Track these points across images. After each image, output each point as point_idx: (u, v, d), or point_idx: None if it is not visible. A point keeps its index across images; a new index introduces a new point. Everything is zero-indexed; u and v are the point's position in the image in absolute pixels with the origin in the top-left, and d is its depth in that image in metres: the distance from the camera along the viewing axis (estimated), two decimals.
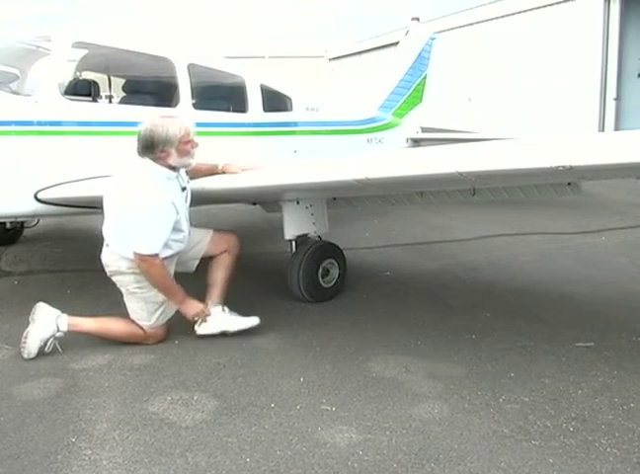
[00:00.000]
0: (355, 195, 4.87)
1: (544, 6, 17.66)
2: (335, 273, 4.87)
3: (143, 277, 3.85)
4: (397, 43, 10.51)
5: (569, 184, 3.97)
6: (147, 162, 3.84)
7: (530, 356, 3.76)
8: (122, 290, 3.99)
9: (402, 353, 3.83)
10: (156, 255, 3.75)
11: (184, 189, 4.02)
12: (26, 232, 6.83)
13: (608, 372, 3.52)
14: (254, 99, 6.09)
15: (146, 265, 3.76)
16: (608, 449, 2.77)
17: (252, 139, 6.09)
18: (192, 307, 3.96)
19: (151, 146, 3.80)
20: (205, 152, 4.11)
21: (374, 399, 3.26)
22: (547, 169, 3.09)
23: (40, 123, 4.66)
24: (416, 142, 9.08)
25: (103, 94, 5.66)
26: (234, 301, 4.14)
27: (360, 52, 30.22)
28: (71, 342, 3.86)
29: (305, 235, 4.86)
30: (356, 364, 3.67)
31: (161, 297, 3.92)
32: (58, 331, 3.77)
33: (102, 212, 4.09)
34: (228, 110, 5.98)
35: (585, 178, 3.89)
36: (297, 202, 4.77)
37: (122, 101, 5.74)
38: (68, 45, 5.08)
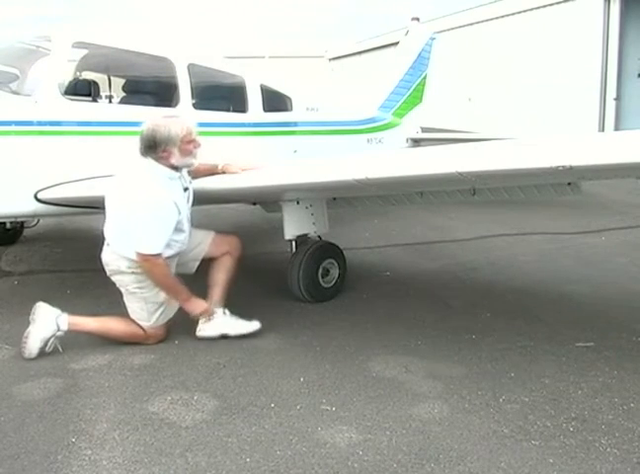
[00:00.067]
0: (355, 195, 4.87)
1: (544, 6, 17.66)
2: (335, 273, 4.87)
3: (143, 277, 3.86)
4: (397, 43, 10.51)
5: (569, 184, 3.97)
6: (150, 162, 3.85)
7: (530, 356, 3.76)
8: (122, 290, 3.99)
9: (402, 353, 3.84)
10: (159, 254, 3.76)
11: (186, 189, 4.02)
12: (26, 232, 6.83)
13: (608, 372, 3.52)
14: (254, 99, 6.10)
15: (149, 264, 3.76)
16: (608, 449, 2.77)
17: (252, 139, 6.09)
18: (196, 306, 3.96)
19: (153, 146, 3.80)
20: (205, 152, 4.11)
21: (374, 399, 3.26)
22: (547, 169, 3.10)
23: (40, 123, 4.66)
24: (416, 142, 9.08)
25: (103, 94, 5.66)
26: (234, 301, 4.14)
27: (359, 52, 30.23)
28: (71, 342, 3.86)
29: (305, 235, 4.86)
30: (356, 364, 3.67)
31: (161, 297, 3.92)
32: (59, 330, 3.77)
33: (102, 212, 4.09)
34: (228, 110, 5.98)
35: (585, 178, 3.89)
36: (297, 202, 4.77)
37: (122, 101, 5.74)
38: (68, 45, 5.08)
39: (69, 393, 3.34)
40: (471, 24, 21.02)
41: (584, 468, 2.65)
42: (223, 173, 4.36)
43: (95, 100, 5.21)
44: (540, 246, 6.60)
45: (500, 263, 5.97)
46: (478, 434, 2.92)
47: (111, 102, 5.89)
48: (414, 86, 9.36)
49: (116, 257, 3.89)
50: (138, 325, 3.94)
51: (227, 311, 4.06)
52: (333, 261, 4.85)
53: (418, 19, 10.39)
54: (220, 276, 4.10)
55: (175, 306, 4.01)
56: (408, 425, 3.00)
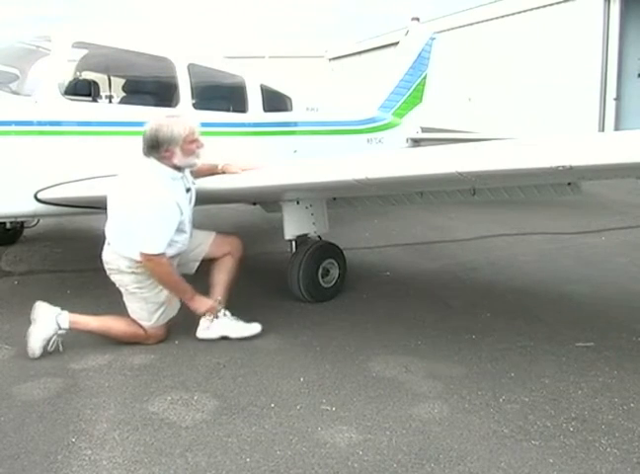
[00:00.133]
0: (355, 195, 4.87)
1: (544, 6, 17.67)
2: (335, 273, 4.87)
3: (143, 277, 3.86)
4: (397, 43, 10.51)
5: (569, 184, 3.97)
6: (152, 162, 3.85)
7: (530, 356, 3.76)
8: (122, 290, 3.99)
9: (402, 353, 3.83)
10: (162, 254, 3.76)
11: (188, 190, 4.01)
12: (26, 232, 6.83)
13: (608, 372, 3.52)
14: (254, 99, 6.10)
15: (153, 264, 3.77)
16: (608, 449, 2.77)
17: (252, 139, 6.09)
18: (202, 304, 3.96)
19: (156, 145, 3.81)
20: (205, 152, 4.11)
21: (374, 399, 3.26)
22: (547, 169, 3.09)
23: (40, 123, 4.66)
24: (416, 142, 9.08)
25: (103, 94, 5.66)
26: (234, 302, 4.14)
27: (360, 52, 30.23)
28: (71, 341, 3.86)
29: (305, 235, 4.86)
30: (356, 364, 3.67)
31: (162, 297, 3.92)
32: (60, 329, 3.77)
33: (102, 212, 4.09)
34: (228, 110, 5.98)
35: (585, 178, 3.89)
36: (297, 202, 4.77)
37: (122, 101, 5.74)
38: (68, 45, 5.08)
39: (69, 393, 3.34)
40: (471, 24, 21.02)
41: (584, 468, 2.65)
42: (223, 173, 4.36)
43: (95, 100, 5.21)
44: (540, 246, 6.60)
45: (500, 263, 5.97)
46: (478, 434, 2.92)
47: (111, 102, 5.89)
48: (414, 86, 9.36)
49: (116, 256, 3.89)
50: (139, 325, 3.94)
51: (228, 313, 4.06)
52: (333, 261, 4.85)
53: (418, 19, 10.40)
54: (221, 277, 4.09)
55: (175, 306, 4.01)
56: (408, 425, 3.00)
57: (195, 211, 4.17)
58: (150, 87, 5.76)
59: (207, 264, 4.17)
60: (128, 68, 5.99)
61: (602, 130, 15.57)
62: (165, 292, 3.93)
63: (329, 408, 3.17)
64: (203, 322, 4.03)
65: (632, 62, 15.53)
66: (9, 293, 5.10)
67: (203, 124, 4.81)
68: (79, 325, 3.85)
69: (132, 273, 3.86)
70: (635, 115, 15.18)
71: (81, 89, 5.10)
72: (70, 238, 6.97)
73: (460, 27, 21.16)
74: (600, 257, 6.13)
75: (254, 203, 5.40)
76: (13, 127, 4.57)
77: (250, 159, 4.77)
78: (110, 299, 4.39)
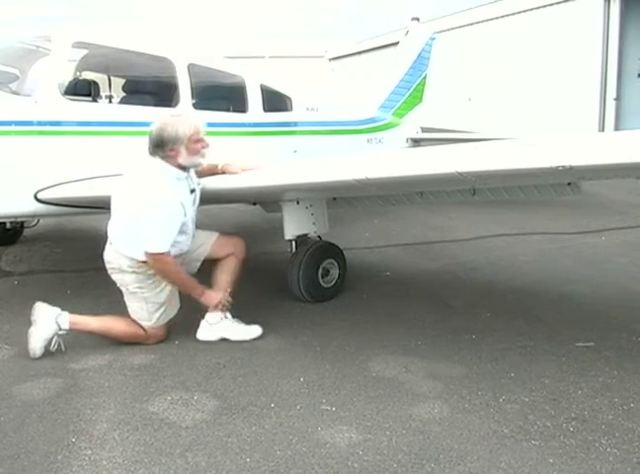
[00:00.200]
0: (355, 195, 4.87)
1: (544, 6, 17.67)
2: (335, 273, 4.87)
3: (144, 277, 3.86)
4: (397, 43, 10.52)
5: (569, 184, 3.97)
6: (158, 161, 3.86)
7: (530, 356, 3.76)
8: (123, 290, 3.99)
9: (402, 353, 3.84)
10: (167, 253, 3.76)
11: (192, 190, 4.02)
12: (26, 232, 6.83)
13: (608, 372, 3.52)
14: (254, 99, 6.10)
15: (159, 264, 3.78)
16: (608, 449, 2.77)
17: (252, 139, 6.09)
18: (211, 298, 3.96)
19: (161, 144, 3.82)
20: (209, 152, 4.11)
21: (374, 399, 3.26)
22: (547, 169, 3.09)
23: (40, 123, 4.67)
24: (416, 142, 9.08)
25: (103, 94, 5.66)
26: (235, 302, 4.13)
27: (359, 52, 30.23)
28: (71, 341, 3.86)
29: (305, 235, 4.86)
30: (356, 364, 3.67)
31: (162, 297, 3.92)
32: (60, 329, 3.77)
33: (103, 212, 4.09)
34: (228, 110, 5.98)
35: (585, 178, 3.89)
36: (297, 202, 4.77)
37: (122, 101, 5.74)
38: (68, 45, 5.08)
39: (69, 393, 3.34)
40: (471, 24, 21.02)
41: (584, 468, 2.64)
42: (223, 173, 4.36)
43: (95, 100, 5.21)
44: (540, 246, 6.61)
45: (500, 263, 5.97)
46: (478, 434, 2.92)
47: (111, 102, 5.89)
48: (414, 86, 9.36)
49: (117, 256, 3.89)
50: (139, 325, 3.94)
51: (229, 315, 4.06)
52: (333, 261, 4.85)
53: (418, 19, 10.40)
54: (223, 278, 4.08)
55: (175, 307, 4.01)
56: (408, 425, 3.00)
57: (197, 211, 4.17)
58: (150, 87, 5.76)
59: (210, 264, 4.16)
60: (128, 68, 5.99)
61: (602, 130, 15.56)
62: (165, 293, 3.93)
63: (329, 408, 3.17)
64: (204, 323, 4.03)
65: (632, 62, 15.53)
66: (9, 293, 5.10)
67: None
68: (79, 325, 3.85)
69: (133, 272, 3.87)
70: (635, 115, 15.18)
71: (81, 89, 5.10)
72: (70, 238, 6.98)
73: (460, 27, 21.16)
74: (600, 257, 6.13)
75: (254, 203, 5.40)
76: (13, 127, 4.57)
77: (250, 159, 4.76)
78: (110, 299, 4.40)
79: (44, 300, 3.92)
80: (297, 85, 7.79)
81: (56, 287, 5.16)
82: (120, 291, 4.02)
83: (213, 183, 4.31)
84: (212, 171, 4.36)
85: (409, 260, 6.16)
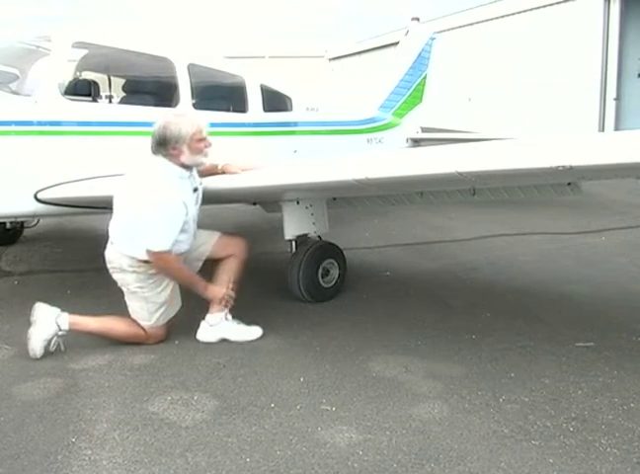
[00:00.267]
0: (355, 195, 4.87)
1: (544, 6, 17.67)
2: (335, 273, 4.87)
3: (144, 277, 3.87)
4: (397, 43, 10.52)
5: (569, 184, 3.97)
6: (161, 160, 3.87)
7: (530, 356, 3.76)
8: (124, 289, 3.99)
9: (402, 353, 3.83)
10: (169, 251, 3.77)
11: (195, 190, 4.02)
12: (26, 232, 6.83)
13: (608, 372, 3.52)
14: (254, 99, 6.10)
15: (162, 262, 3.78)
16: (608, 449, 2.77)
17: (252, 139, 6.09)
18: (215, 292, 3.97)
19: (163, 143, 3.83)
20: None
21: (374, 399, 3.26)
22: (547, 169, 3.09)
23: (39, 123, 4.67)
24: (416, 142, 9.08)
25: (103, 94, 5.67)
26: (235, 302, 4.12)
27: (359, 52, 30.23)
28: (71, 342, 3.86)
29: (305, 235, 4.86)
30: (356, 364, 3.67)
31: (162, 297, 3.92)
32: (60, 330, 3.77)
33: (103, 212, 4.09)
34: (228, 110, 5.98)
35: (585, 178, 3.89)
36: (297, 202, 4.77)
37: (122, 101, 5.74)
38: (68, 45, 5.08)
39: (69, 393, 3.34)
40: (471, 24, 21.02)
41: (584, 468, 2.64)
42: (223, 173, 4.36)
43: (95, 100, 5.21)
44: (540, 246, 6.61)
45: (500, 263, 5.97)
46: (478, 434, 2.92)
47: (111, 102, 5.90)
48: (414, 86, 9.36)
49: (119, 255, 3.89)
50: (139, 325, 3.94)
51: (230, 316, 4.06)
52: (333, 261, 4.85)
53: (418, 19, 10.40)
54: (224, 278, 4.06)
55: (176, 306, 4.01)
56: (408, 425, 3.00)
57: (199, 211, 4.16)
58: (150, 87, 5.76)
59: (212, 264, 4.15)
60: (128, 68, 5.99)
61: (602, 130, 15.56)
62: (166, 292, 3.93)
63: (329, 408, 3.17)
64: (204, 324, 4.03)
65: (632, 62, 15.53)
66: (9, 293, 5.10)
67: None
68: (79, 326, 3.85)
69: (134, 272, 3.87)
70: (635, 115, 15.18)
71: (81, 89, 5.10)
72: (70, 238, 6.98)
73: (460, 27, 21.16)
74: (600, 257, 6.14)
75: (254, 203, 5.40)
76: (13, 127, 4.57)
77: (250, 159, 4.77)
78: (110, 299, 4.40)
79: (44, 300, 3.93)
80: (297, 85, 7.79)
81: (56, 287, 5.16)
82: (121, 291, 4.02)
83: (213, 183, 4.31)
84: (212, 171, 4.36)
85: (409, 260, 6.16)
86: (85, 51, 5.66)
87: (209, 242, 4.15)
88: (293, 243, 4.85)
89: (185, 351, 3.88)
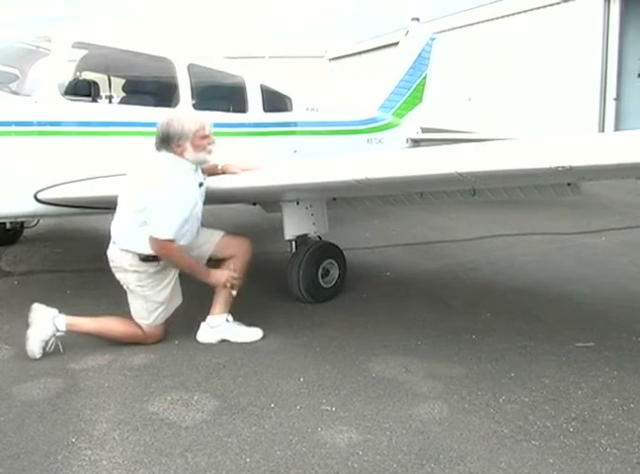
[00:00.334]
0: (355, 195, 4.87)
1: (544, 6, 17.66)
2: (335, 273, 4.87)
3: (144, 276, 3.87)
4: (397, 44, 10.51)
5: (569, 184, 3.97)
6: (167, 154, 3.88)
7: (530, 356, 3.76)
8: (125, 288, 3.99)
9: (402, 353, 3.84)
10: (173, 240, 3.76)
11: (201, 184, 4.04)
12: (26, 232, 6.83)
13: (608, 372, 3.52)
14: (254, 99, 6.10)
15: (165, 251, 3.78)
16: (608, 449, 2.77)
17: (252, 139, 6.09)
18: (218, 276, 3.95)
19: (167, 140, 3.85)
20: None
21: (374, 399, 3.26)
22: (547, 169, 3.09)
23: (39, 124, 4.66)
24: (416, 142, 9.08)
25: (103, 94, 5.66)
26: (234, 302, 4.12)
27: (360, 53, 30.21)
28: (71, 342, 3.86)
29: (305, 235, 4.86)
30: (356, 364, 3.68)
31: (162, 297, 3.92)
32: (58, 331, 3.77)
33: (103, 212, 4.09)
34: (228, 110, 5.98)
35: (585, 178, 3.89)
36: (297, 203, 4.77)
37: (122, 101, 5.74)
38: (68, 45, 5.08)
39: (69, 393, 3.34)
40: (471, 24, 21.01)
41: (584, 468, 2.65)
42: (223, 173, 4.36)
43: (95, 100, 5.21)
44: (540, 246, 6.61)
45: (500, 263, 5.97)
46: (478, 434, 2.92)
47: (111, 102, 5.89)
48: (414, 86, 9.36)
49: (120, 255, 3.90)
50: (137, 325, 3.94)
51: (230, 318, 4.05)
52: (333, 261, 4.85)
53: (418, 19, 10.40)
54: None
55: (173, 306, 4.01)
56: (408, 425, 3.00)
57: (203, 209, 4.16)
58: (150, 87, 5.76)
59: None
60: (128, 68, 5.99)
61: (602, 130, 15.56)
62: (166, 292, 3.94)
63: (329, 408, 3.17)
64: (204, 325, 4.03)
65: (632, 62, 15.52)
66: (9, 293, 5.10)
67: None
68: (76, 327, 3.85)
69: (135, 271, 3.87)
70: (635, 115, 15.18)
71: (81, 89, 5.10)
72: (70, 238, 6.98)
73: (460, 27, 21.14)
74: (600, 257, 6.14)
75: (254, 203, 5.40)
76: (13, 128, 4.57)
77: (250, 159, 4.77)
78: (110, 299, 4.40)
79: (44, 300, 3.93)
80: (297, 85, 7.79)
81: (56, 288, 5.16)
82: (121, 292, 4.02)
83: (214, 183, 4.31)
84: (212, 171, 4.36)
85: (409, 260, 6.16)
86: (85, 52, 5.65)
87: (212, 241, 4.14)
88: (293, 243, 4.85)
89: (185, 351, 3.88)
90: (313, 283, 4.72)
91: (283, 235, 4.81)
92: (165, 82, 5.61)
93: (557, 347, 3.87)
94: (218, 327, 4.01)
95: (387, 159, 4.41)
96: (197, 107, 5.49)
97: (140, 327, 3.94)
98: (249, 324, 4.10)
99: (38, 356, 3.71)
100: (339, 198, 5.03)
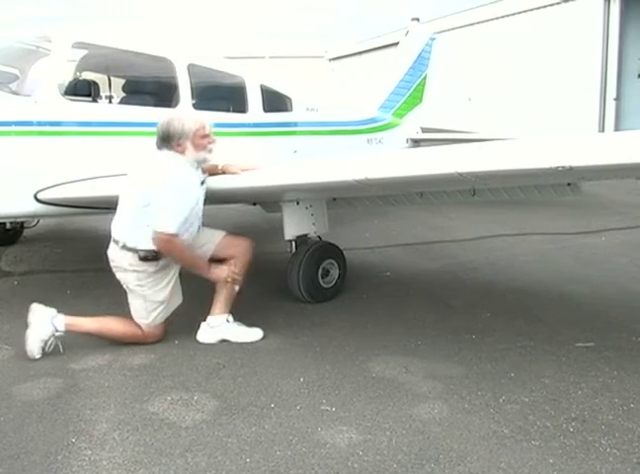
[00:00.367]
0: (355, 195, 4.87)
1: (544, 6, 17.66)
2: (335, 273, 4.87)
3: (144, 276, 3.87)
4: (397, 44, 10.52)
5: (569, 184, 3.97)
6: (169, 152, 3.90)
7: (530, 357, 3.76)
8: (125, 288, 3.99)
9: (402, 353, 3.84)
10: (176, 234, 3.77)
11: (202, 182, 4.05)
12: (26, 232, 6.83)
13: (608, 372, 3.52)
14: (254, 99, 6.10)
15: (169, 246, 3.78)
16: (608, 450, 2.77)
17: (252, 140, 6.09)
18: (219, 272, 3.96)
19: (167, 139, 3.87)
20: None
21: (374, 399, 3.26)
22: (547, 169, 3.09)
23: (39, 124, 4.67)
24: (416, 142, 9.08)
25: (103, 94, 5.67)
26: (234, 302, 4.13)
27: (360, 53, 30.20)
28: (71, 342, 3.85)
29: (305, 235, 4.86)
30: (356, 365, 3.67)
31: (161, 296, 3.92)
32: (57, 331, 3.77)
33: (103, 212, 4.09)
34: (228, 110, 5.99)
35: (585, 178, 3.89)
36: (297, 203, 4.77)
37: (122, 101, 5.74)
38: (68, 46, 5.09)
39: (69, 393, 3.34)
40: (471, 24, 21.00)
41: (584, 468, 2.64)
42: (223, 173, 4.36)
43: (95, 100, 5.21)
44: (540, 246, 6.61)
45: (500, 263, 5.97)
46: (478, 434, 2.92)
47: (111, 102, 5.90)
48: (414, 86, 9.36)
49: (120, 254, 3.90)
50: (137, 325, 3.94)
51: (231, 318, 4.05)
52: (333, 261, 4.85)
53: (418, 19, 10.41)
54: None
55: (173, 306, 4.01)
56: (408, 425, 3.00)
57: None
58: (150, 87, 5.77)
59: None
60: (128, 68, 5.99)
61: (602, 130, 15.56)
62: (165, 292, 3.94)
63: (329, 408, 3.17)
64: (204, 326, 4.03)
65: (632, 62, 15.52)
66: (9, 293, 5.10)
67: None
68: (75, 327, 3.85)
69: (134, 270, 3.87)
70: (635, 115, 15.18)
71: (81, 89, 5.10)
72: (70, 238, 6.98)
73: (460, 27, 21.13)
74: (600, 257, 6.14)
75: (254, 203, 5.40)
76: (13, 128, 4.57)
77: (250, 159, 4.77)
78: (110, 299, 4.40)
79: (44, 300, 3.93)
80: (297, 85, 7.79)
81: (56, 288, 5.16)
82: (121, 292, 4.02)
83: (213, 183, 4.31)
84: (212, 171, 4.36)
85: (409, 260, 6.16)
86: (85, 52, 5.66)
87: (213, 241, 4.15)
88: (293, 243, 4.85)
89: (185, 351, 3.87)
90: (313, 284, 4.72)
91: (283, 235, 4.82)
92: (165, 82, 5.61)
93: (557, 347, 3.87)
94: (218, 327, 4.01)
95: (387, 159, 4.41)
96: (197, 107, 5.49)
97: (140, 327, 3.94)
98: (249, 324, 4.10)
99: (37, 357, 3.71)
100: (339, 199, 5.04)
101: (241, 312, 4.11)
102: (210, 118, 5.50)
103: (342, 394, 3.32)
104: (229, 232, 4.27)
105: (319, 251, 4.78)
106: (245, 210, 6.85)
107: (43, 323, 3.76)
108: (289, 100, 6.64)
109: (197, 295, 4.07)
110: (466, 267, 5.80)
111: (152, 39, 6.25)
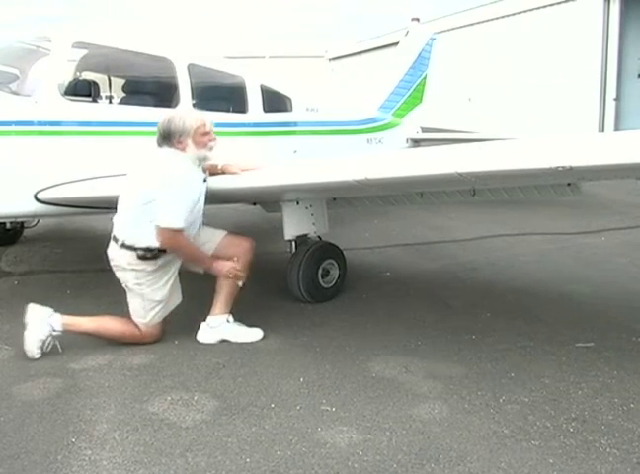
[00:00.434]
0: (355, 195, 4.87)
1: (544, 6, 17.67)
2: (335, 273, 4.87)
3: (142, 275, 3.87)
4: (397, 44, 10.52)
5: (569, 184, 3.97)
6: (170, 150, 3.91)
7: (530, 357, 3.76)
8: (124, 287, 3.99)
9: (402, 353, 3.84)
10: (180, 230, 3.78)
11: (204, 180, 4.06)
12: (26, 232, 6.83)
13: (608, 372, 3.52)
14: (254, 99, 6.10)
15: (174, 241, 3.80)
16: (608, 450, 2.77)
17: (252, 140, 6.09)
18: (222, 266, 3.97)
19: (168, 137, 3.88)
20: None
21: (374, 399, 3.26)
22: (547, 169, 3.09)
23: (39, 124, 4.67)
24: (416, 142, 9.08)
25: (103, 94, 5.66)
26: (234, 301, 4.13)
27: (360, 53, 30.22)
28: (71, 342, 3.85)
29: (305, 235, 4.86)
30: (356, 365, 3.67)
31: (159, 296, 3.92)
32: (54, 330, 3.77)
33: (103, 212, 4.09)
34: (228, 110, 5.98)
35: (585, 178, 3.89)
36: (297, 203, 4.77)
37: (122, 101, 5.74)
38: (68, 46, 5.09)
39: (69, 393, 3.34)
40: (471, 24, 21.02)
41: (584, 468, 2.64)
42: (223, 173, 4.36)
43: (95, 100, 5.21)
44: (540, 246, 6.61)
45: (500, 263, 5.97)
46: (478, 434, 2.92)
47: (111, 102, 5.89)
48: (414, 86, 9.36)
49: (120, 253, 3.90)
50: (134, 324, 3.94)
51: (231, 318, 4.05)
52: (333, 261, 4.85)
53: (418, 19, 10.41)
54: (227, 282, 4.04)
55: (172, 305, 4.00)
56: (408, 425, 3.00)
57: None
58: (150, 87, 5.77)
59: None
60: (128, 68, 5.99)
61: (602, 130, 15.56)
62: (164, 291, 3.93)
63: (329, 408, 3.17)
64: (204, 326, 4.03)
65: (632, 62, 15.53)
66: (9, 293, 5.10)
67: None
68: (72, 326, 3.84)
69: (133, 269, 3.87)
70: (635, 115, 15.18)
71: (81, 89, 5.10)
72: (70, 238, 6.98)
73: (460, 27, 21.15)
74: (600, 257, 6.14)
75: (254, 203, 5.40)
76: (13, 128, 4.57)
77: (250, 159, 4.77)
78: (110, 299, 4.40)
79: (44, 300, 3.93)
80: (297, 85, 7.79)
81: (56, 287, 5.16)
82: (121, 292, 4.02)
83: (213, 183, 4.30)
84: (212, 171, 4.36)
85: (409, 260, 6.16)
86: (85, 52, 5.65)
87: (214, 241, 4.14)
88: (293, 243, 4.85)
89: (185, 351, 3.87)
90: (313, 284, 4.72)
91: (283, 235, 4.81)
92: (165, 82, 5.61)
93: (557, 347, 3.87)
94: (219, 327, 4.01)
95: (387, 159, 4.41)
96: (197, 107, 5.48)
97: (138, 326, 3.94)
98: (249, 324, 4.10)
99: (36, 357, 3.71)
100: (339, 199, 5.04)
101: (241, 312, 4.12)
102: (210, 117, 5.54)
103: (342, 394, 3.32)
104: (230, 232, 4.27)
105: (319, 251, 4.78)
106: (245, 210, 6.85)
107: (40, 323, 3.76)
108: (289, 100, 6.64)
109: (196, 295, 4.07)
110: (466, 267, 5.80)
111: (152, 39, 6.25)
